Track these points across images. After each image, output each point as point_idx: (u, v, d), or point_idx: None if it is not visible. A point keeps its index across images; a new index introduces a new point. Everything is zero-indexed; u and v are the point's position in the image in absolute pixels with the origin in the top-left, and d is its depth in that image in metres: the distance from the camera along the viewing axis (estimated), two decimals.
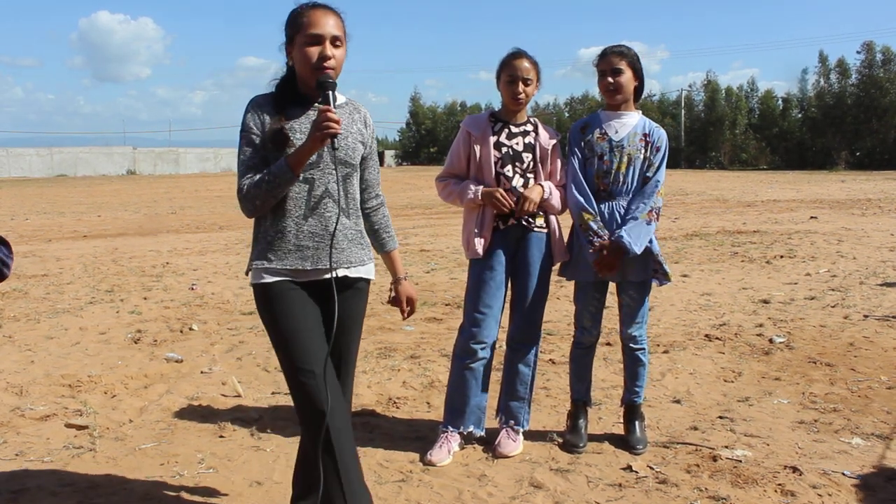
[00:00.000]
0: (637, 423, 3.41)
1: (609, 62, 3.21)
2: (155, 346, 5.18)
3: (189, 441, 3.48)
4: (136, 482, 3.04)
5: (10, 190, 28.83)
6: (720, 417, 3.70)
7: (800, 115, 44.28)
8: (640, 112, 3.33)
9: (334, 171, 2.28)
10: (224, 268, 8.77)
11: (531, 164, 3.27)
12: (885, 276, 7.40)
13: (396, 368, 4.58)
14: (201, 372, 4.58)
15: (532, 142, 3.29)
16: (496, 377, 3.56)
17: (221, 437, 3.52)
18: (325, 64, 2.20)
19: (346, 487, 2.23)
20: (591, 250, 3.19)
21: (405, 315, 2.68)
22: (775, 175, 32.65)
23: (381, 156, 42.00)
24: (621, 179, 3.23)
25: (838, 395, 4.01)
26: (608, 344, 4.90)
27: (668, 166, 3.35)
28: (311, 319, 2.30)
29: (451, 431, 3.29)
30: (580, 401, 3.46)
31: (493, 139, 3.25)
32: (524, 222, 3.26)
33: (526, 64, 3.20)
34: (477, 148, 3.25)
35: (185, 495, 2.93)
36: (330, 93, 2.19)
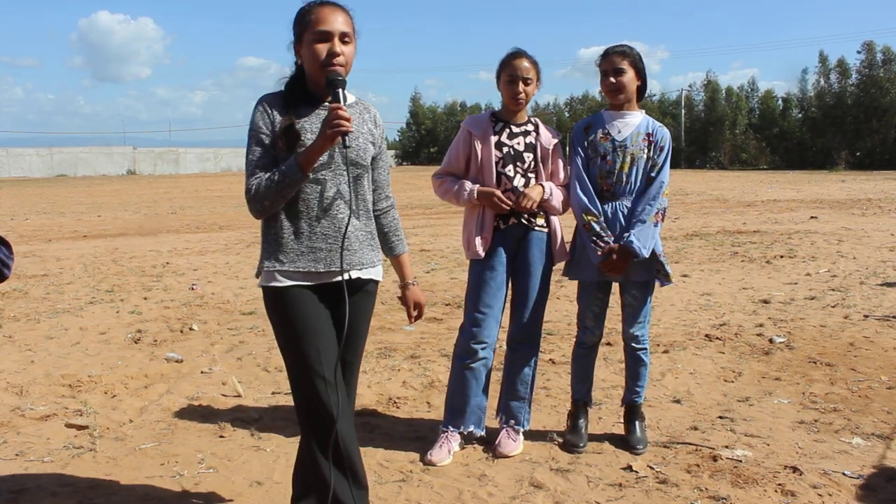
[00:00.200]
0: (637, 423, 3.40)
1: (611, 62, 3.21)
2: (155, 346, 5.18)
3: (189, 441, 3.48)
4: (136, 482, 3.03)
5: (10, 190, 28.81)
6: (720, 417, 3.70)
7: (800, 115, 44.25)
8: (644, 112, 3.32)
9: (345, 172, 2.25)
10: (224, 268, 8.76)
11: (532, 163, 3.27)
12: (885, 276, 7.41)
13: (396, 368, 4.58)
14: (201, 372, 4.58)
15: (533, 141, 3.29)
16: (496, 377, 3.56)
17: (221, 437, 3.52)
18: (335, 61, 2.17)
19: (354, 490, 2.25)
20: (599, 253, 3.18)
21: (412, 320, 2.67)
22: (775, 175, 32.63)
23: None
24: (624, 179, 3.22)
25: (838, 395, 4.01)
26: (608, 344, 4.89)
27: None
28: (324, 323, 2.27)
29: (452, 431, 3.29)
30: (581, 401, 3.46)
31: (494, 139, 3.25)
32: (524, 221, 3.26)
33: (526, 63, 3.20)
34: (478, 148, 3.24)
35: (185, 495, 2.92)
36: (340, 90, 2.16)
